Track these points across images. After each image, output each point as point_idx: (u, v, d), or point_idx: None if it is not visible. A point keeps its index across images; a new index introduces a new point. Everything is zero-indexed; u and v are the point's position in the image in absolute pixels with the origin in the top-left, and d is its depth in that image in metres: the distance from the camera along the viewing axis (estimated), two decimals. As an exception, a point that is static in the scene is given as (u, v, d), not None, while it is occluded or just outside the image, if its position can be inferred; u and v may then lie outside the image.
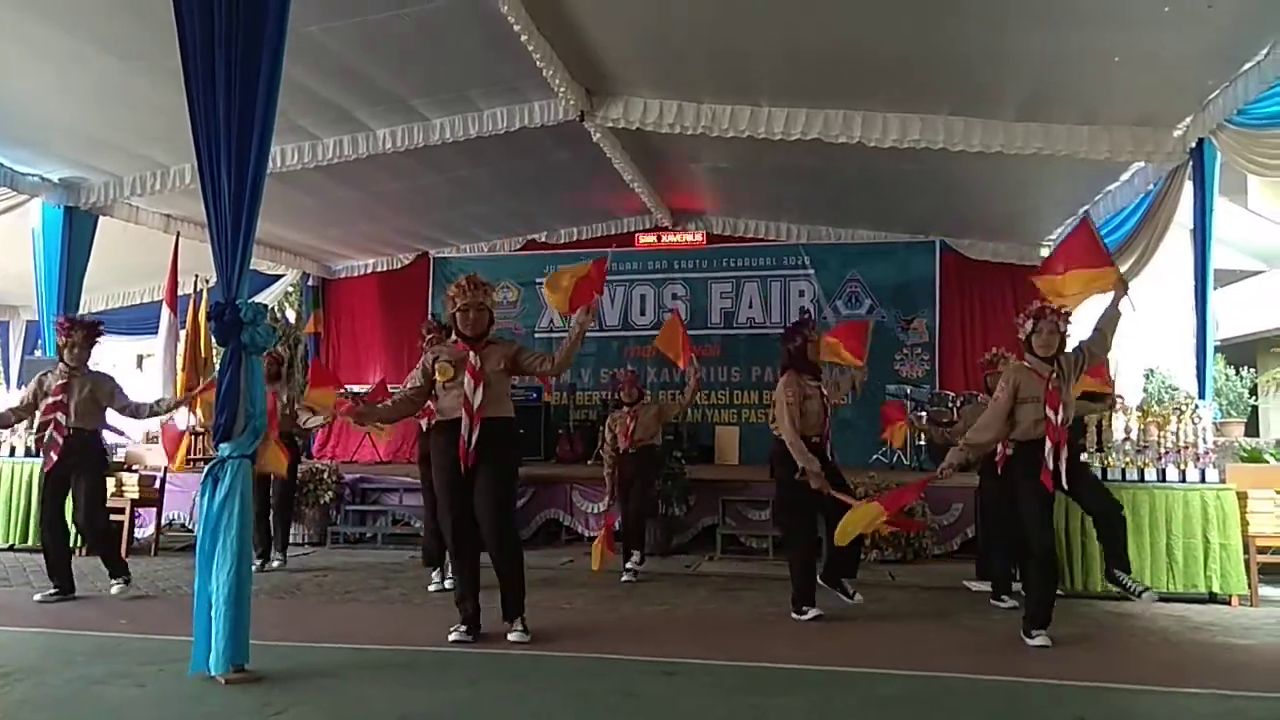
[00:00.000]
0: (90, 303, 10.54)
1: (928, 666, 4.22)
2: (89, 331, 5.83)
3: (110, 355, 11.23)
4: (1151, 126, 6.76)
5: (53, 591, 5.57)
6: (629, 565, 6.61)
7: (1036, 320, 4.79)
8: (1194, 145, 6.53)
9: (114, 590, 5.63)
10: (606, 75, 7.34)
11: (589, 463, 10.24)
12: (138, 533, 7.92)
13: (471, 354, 4.66)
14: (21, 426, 7.81)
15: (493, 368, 4.67)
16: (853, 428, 10.84)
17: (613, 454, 6.96)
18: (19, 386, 8.81)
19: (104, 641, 4.50)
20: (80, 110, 7.28)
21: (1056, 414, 4.64)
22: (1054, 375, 4.70)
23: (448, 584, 6.05)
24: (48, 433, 5.64)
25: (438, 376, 4.68)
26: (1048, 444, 4.64)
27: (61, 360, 5.77)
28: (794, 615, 5.23)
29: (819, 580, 5.35)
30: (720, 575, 6.91)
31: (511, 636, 4.58)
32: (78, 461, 5.65)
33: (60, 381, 5.69)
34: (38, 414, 5.80)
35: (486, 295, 4.74)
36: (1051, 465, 4.63)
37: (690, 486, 7.98)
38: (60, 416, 5.63)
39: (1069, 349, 4.84)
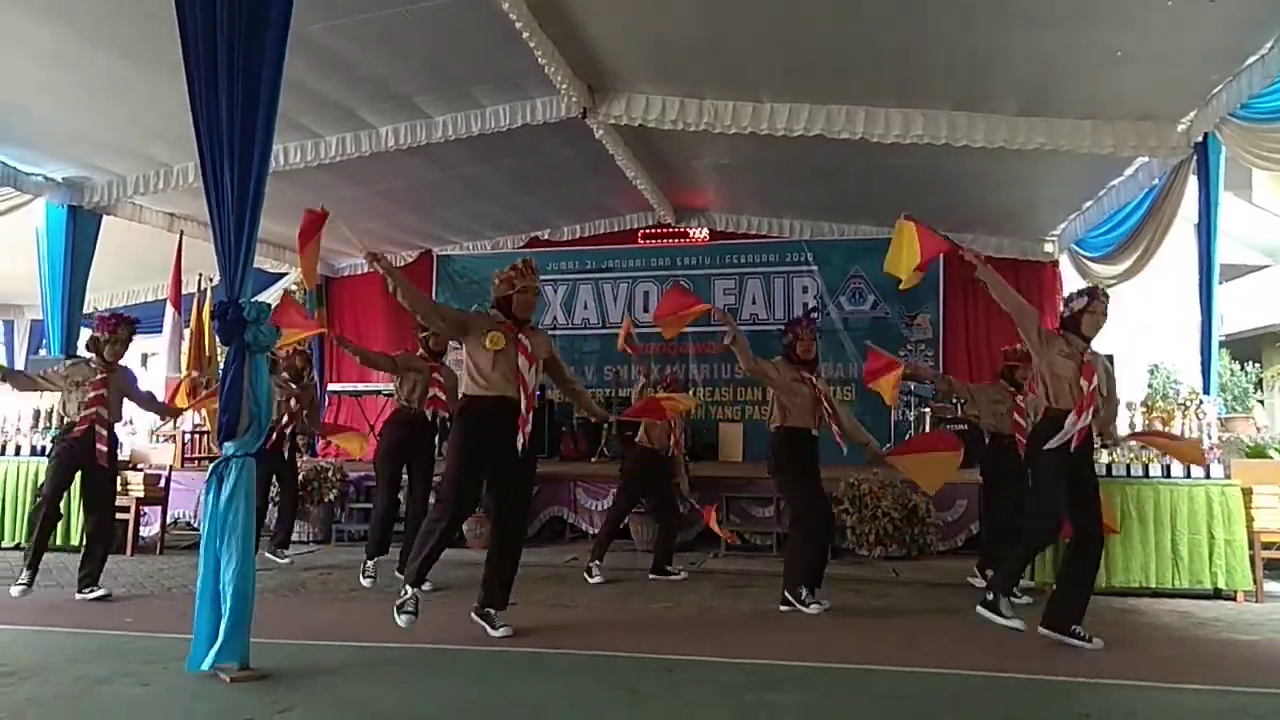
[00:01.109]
0: (95, 302, 10.57)
1: (931, 663, 4.22)
2: (133, 329, 5.92)
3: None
4: (1155, 121, 6.74)
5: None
6: (674, 576, 6.56)
7: (1092, 299, 4.77)
8: (1198, 140, 6.52)
9: (93, 594, 5.52)
10: (608, 72, 7.33)
11: (593, 460, 10.25)
12: (143, 531, 7.94)
13: (521, 335, 4.69)
14: (26, 425, 7.88)
15: (540, 355, 4.75)
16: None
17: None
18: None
19: (108, 640, 4.52)
20: (84, 109, 7.29)
21: (1089, 384, 4.59)
22: (1086, 352, 4.69)
23: (365, 581, 6.13)
24: (88, 429, 5.64)
25: (487, 344, 4.55)
26: (1071, 415, 4.58)
27: (100, 357, 5.81)
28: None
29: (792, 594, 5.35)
30: (724, 572, 6.91)
31: (498, 633, 4.59)
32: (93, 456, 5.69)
33: (99, 377, 5.74)
34: (57, 401, 5.83)
35: (539, 280, 4.87)
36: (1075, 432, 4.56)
37: (694, 483, 7.97)
38: (103, 412, 5.68)
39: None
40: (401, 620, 4.43)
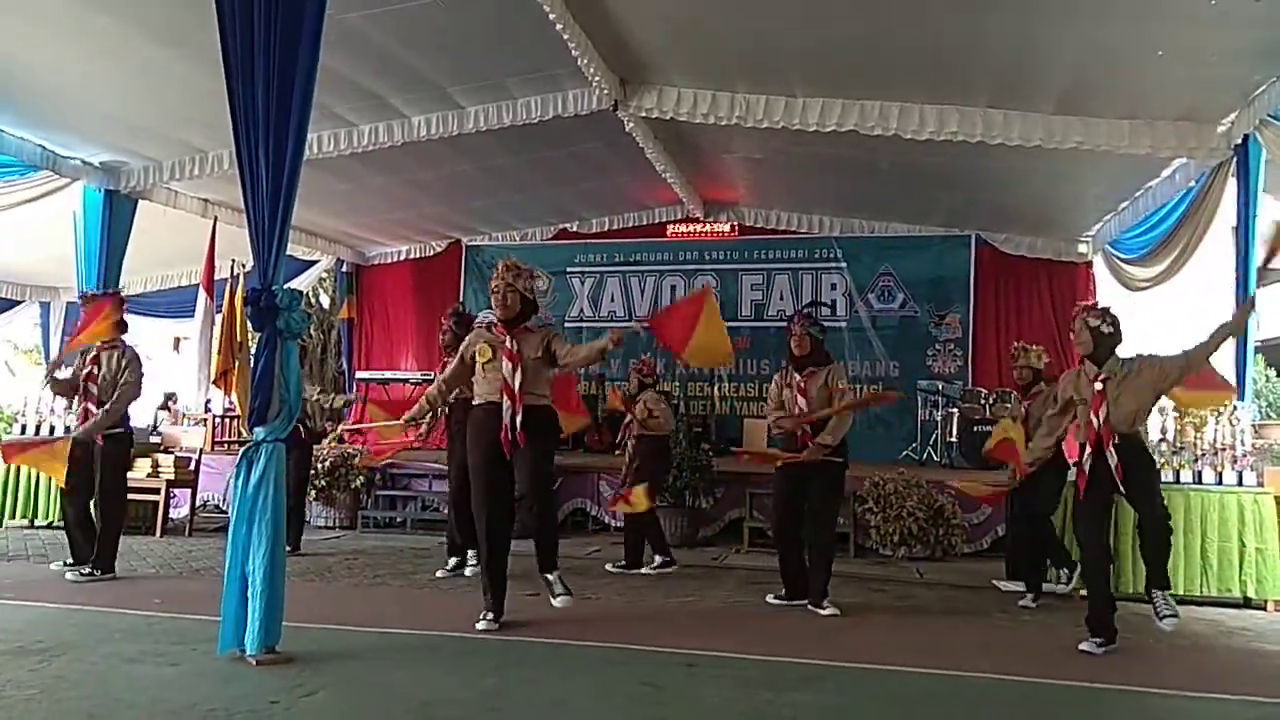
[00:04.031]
0: (129, 285, 10.67)
1: (954, 666, 4.19)
2: (84, 303, 5.95)
3: (147, 337, 11.43)
4: (1195, 122, 6.63)
5: (81, 569, 5.65)
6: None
7: (1072, 321, 4.86)
8: (1238, 141, 6.41)
9: (70, 576, 5.59)
10: (641, 64, 7.32)
11: (616, 453, 10.24)
12: (173, 513, 8.06)
13: (507, 338, 4.73)
14: (60, 405, 8.02)
15: (530, 354, 4.72)
16: (883, 423, 10.80)
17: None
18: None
19: (138, 620, 4.59)
20: (121, 95, 7.36)
21: (1097, 417, 4.60)
22: (1099, 376, 4.65)
23: (468, 570, 6.08)
24: (79, 405, 5.79)
25: (477, 358, 4.77)
26: (1087, 448, 4.63)
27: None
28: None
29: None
30: (746, 568, 6.90)
31: (550, 577, 4.74)
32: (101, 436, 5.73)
33: (91, 355, 5.85)
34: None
35: (518, 278, 4.78)
36: (1088, 469, 4.61)
37: (717, 479, 7.97)
38: (92, 388, 5.76)
39: (1130, 356, 4.74)
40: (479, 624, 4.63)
